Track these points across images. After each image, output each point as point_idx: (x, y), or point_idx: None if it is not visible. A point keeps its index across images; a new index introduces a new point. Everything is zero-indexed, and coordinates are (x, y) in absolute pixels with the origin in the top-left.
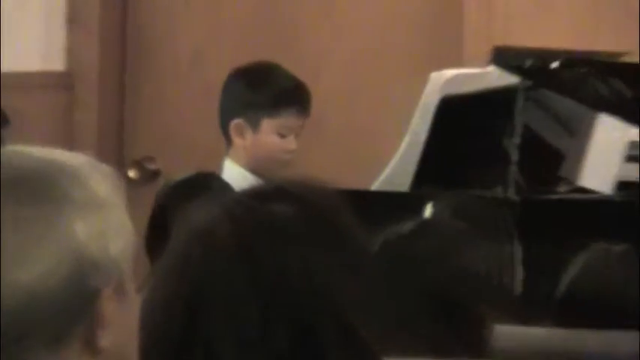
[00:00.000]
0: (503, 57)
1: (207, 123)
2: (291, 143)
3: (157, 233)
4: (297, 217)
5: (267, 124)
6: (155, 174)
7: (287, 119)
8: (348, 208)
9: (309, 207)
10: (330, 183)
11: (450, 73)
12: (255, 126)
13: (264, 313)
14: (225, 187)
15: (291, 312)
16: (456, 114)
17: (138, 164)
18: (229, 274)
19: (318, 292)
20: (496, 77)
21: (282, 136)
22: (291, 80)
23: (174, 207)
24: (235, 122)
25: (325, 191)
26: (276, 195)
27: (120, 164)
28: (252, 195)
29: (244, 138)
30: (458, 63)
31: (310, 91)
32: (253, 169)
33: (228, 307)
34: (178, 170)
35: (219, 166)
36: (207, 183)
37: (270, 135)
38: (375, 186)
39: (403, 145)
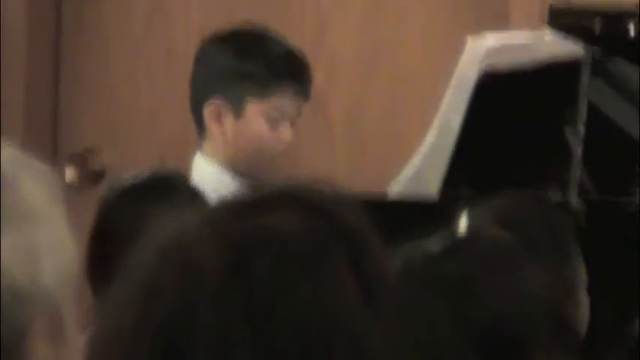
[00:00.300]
0: (563, 17)
1: (172, 104)
2: (284, 132)
3: (101, 252)
4: (306, 232)
5: (254, 107)
6: (99, 173)
7: (280, 100)
8: (369, 219)
9: (320, 218)
10: (343, 187)
11: (492, 39)
12: (237, 108)
13: (261, 357)
14: (195, 190)
15: (296, 354)
16: (501, 93)
17: (77, 159)
18: (216, 305)
19: (333, 329)
20: (553, 45)
21: (274, 122)
22: (285, 49)
23: (125, 217)
24: (211, 103)
25: (339, 198)
26: (274, 202)
27: (53, 159)
28: (240, 203)
29: (223, 124)
30: (503, 24)
31: (310, 65)
32: (234, 167)
33: (215, 351)
34: (130, 168)
35: (187, 163)
36: (170, 185)
37: (258, 121)
38: (395, 187)
39: (430, 134)
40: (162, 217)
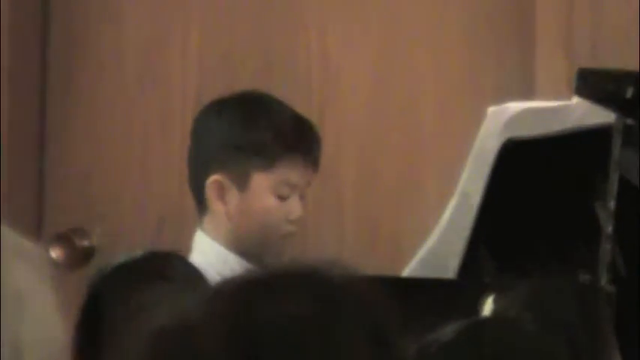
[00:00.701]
0: (592, 82)
1: (167, 176)
2: (294, 207)
3: (88, 343)
4: (318, 319)
5: (260, 180)
6: (88, 253)
7: (288, 172)
8: (385, 302)
9: (334, 304)
10: (354, 267)
11: (514, 107)
12: (242, 183)
13: None
14: (195, 273)
15: None
16: (524, 164)
17: (63, 238)
18: None
19: None
20: (582, 113)
21: (282, 197)
22: (292, 116)
23: (115, 302)
24: (214, 179)
25: (354, 280)
26: (283, 286)
27: (38, 238)
28: (246, 285)
29: (226, 201)
30: (526, 92)
31: (320, 135)
32: (239, 247)
33: None
34: (122, 247)
35: (185, 242)
36: (167, 267)
37: (265, 196)
38: (409, 268)
39: (449, 208)
40: (160, 301)
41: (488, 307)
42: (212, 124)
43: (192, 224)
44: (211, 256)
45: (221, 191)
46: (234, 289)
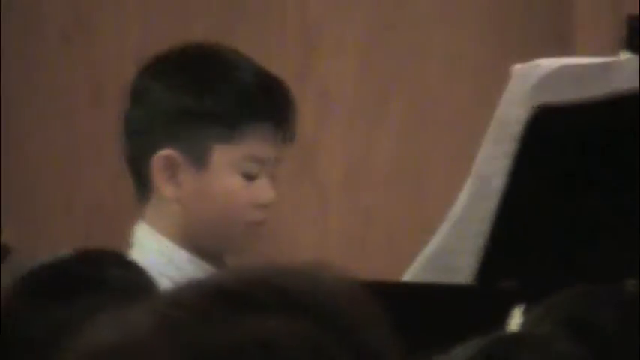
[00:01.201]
0: None
1: (102, 156)
2: (264, 189)
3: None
4: (298, 340)
5: (222, 155)
6: (3, 251)
7: (257, 145)
8: (381, 315)
9: (317, 320)
10: (341, 272)
11: (545, 65)
12: (199, 159)
13: None
14: (139, 277)
15: None
16: (558, 140)
17: None
18: None
19: None
20: (631, 72)
21: (249, 176)
22: (258, 73)
23: (34, 318)
24: (162, 154)
25: (341, 288)
26: (252, 295)
27: None
28: (208, 294)
29: (178, 182)
30: (562, 45)
31: (294, 96)
32: (193, 241)
33: None
34: (43, 247)
35: (124, 240)
36: (101, 270)
37: (228, 174)
38: (411, 272)
39: (462, 198)
40: (91, 315)
41: (515, 320)
42: (157, 86)
43: (130, 216)
44: (154, 252)
45: (172, 170)
46: (196, 301)
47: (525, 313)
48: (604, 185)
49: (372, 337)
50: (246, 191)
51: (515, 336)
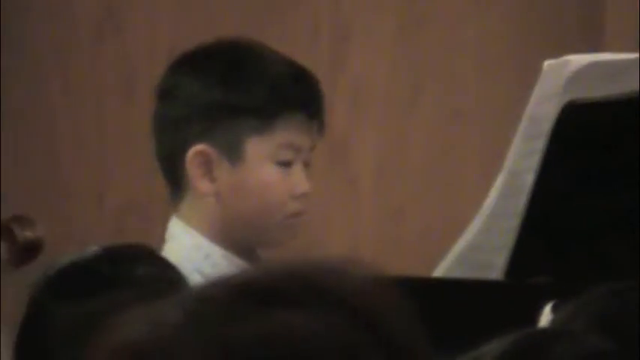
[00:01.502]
0: None
1: (133, 153)
2: (300, 179)
3: (33, 353)
4: (330, 337)
5: (257, 147)
6: (33, 247)
7: (290, 133)
8: (413, 312)
9: (349, 316)
10: (374, 268)
11: (578, 61)
12: (234, 153)
13: None
14: (170, 273)
15: None
16: (590, 136)
17: (2, 229)
18: None
19: None
20: None
21: (285, 163)
22: (287, 65)
23: (65, 309)
24: (197, 150)
25: (373, 285)
26: (284, 292)
27: None
28: (239, 290)
29: (214, 177)
30: (593, 41)
31: (323, 88)
32: (231, 237)
33: None
34: (75, 242)
35: (154, 237)
36: (131, 266)
37: (264, 165)
38: (443, 268)
39: (493, 194)
40: (120, 311)
41: (545, 316)
42: (188, 81)
43: (161, 213)
44: (190, 249)
45: (207, 165)
46: (221, 296)
47: (555, 310)
48: (635, 182)
49: (401, 333)
50: (282, 182)
51: (547, 331)
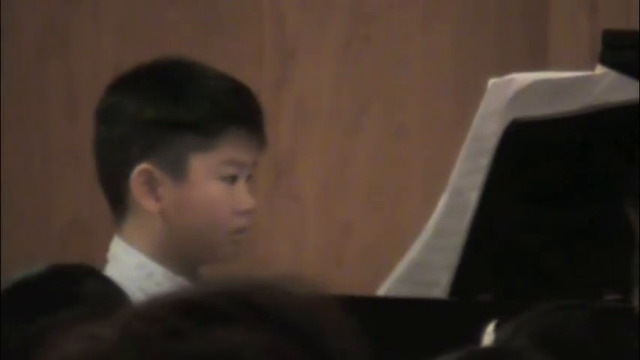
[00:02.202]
0: (620, 48)
1: (78, 172)
2: (244, 195)
3: None
4: (264, 352)
5: (200, 163)
6: None
7: (233, 149)
8: (355, 331)
9: (287, 335)
10: (316, 286)
11: (521, 79)
12: (177, 170)
13: None
14: (114, 292)
15: None
16: (533, 154)
17: None
18: None
19: None
20: (606, 86)
21: (228, 179)
22: (225, 81)
23: (11, 328)
24: (141, 169)
25: (315, 303)
26: (221, 310)
27: None
28: (174, 307)
29: (159, 197)
30: (537, 59)
31: (261, 103)
32: (176, 255)
33: None
34: (20, 260)
35: (100, 255)
36: (77, 285)
37: (207, 181)
38: (387, 286)
39: (437, 212)
40: (66, 329)
41: (488, 335)
42: (127, 100)
43: (105, 232)
44: (132, 268)
45: (151, 184)
46: (159, 313)
47: (497, 329)
48: (578, 198)
49: (340, 350)
50: (227, 198)
51: (489, 350)
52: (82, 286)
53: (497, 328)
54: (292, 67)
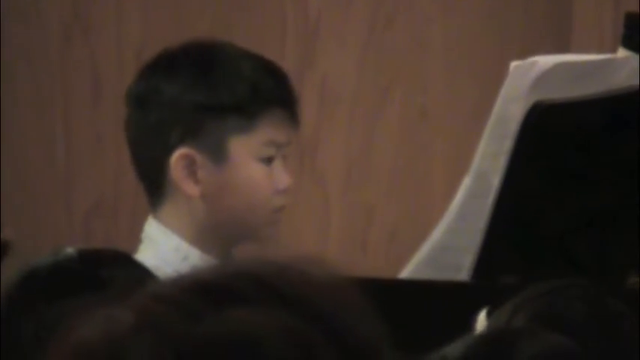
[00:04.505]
0: None
1: (100, 155)
2: (282, 174)
3: (7, 355)
4: (285, 336)
5: (240, 146)
6: (1, 249)
7: (272, 130)
8: (374, 313)
9: (306, 315)
10: (339, 269)
11: (544, 62)
12: (218, 153)
13: None
14: (144, 276)
15: None
16: (557, 137)
17: None
18: None
19: None
20: (630, 70)
21: (268, 159)
22: (261, 63)
23: (33, 313)
24: (181, 153)
25: (334, 285)
26: (239, 291)
27: None
28: (193, 288)
29: (199, 180)
30: (560, 42)
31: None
32: (217, 237)
33: None
34: (43, 244)
35: (121, 238)
36: (107, 269)
37: (248, 163)
38: (410, 269)
39: (460, 195)
40: (88, 314)
41: (481, 322)
42: (165, 85)
43: (129, 213)
44: (168, 251)
45: (191, 168)
46: (175, 295)
47: (491, 314)
48: (601, 182)
49: (359, 331)
50: (266, 179)
51: (512, 329)
52: (109, 271)
53: (490, 314)
54: (315, 51)
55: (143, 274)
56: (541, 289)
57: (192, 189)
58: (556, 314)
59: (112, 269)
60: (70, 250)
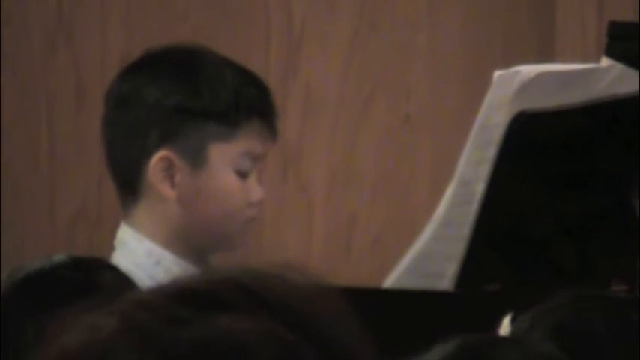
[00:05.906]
0: (627, 40)
1: (85, 160)
2: (255, 187)
3: None
4: (267, 342)
5: (219, 153)
6: None
7: (251, 141)
8: (357, 320)
9: (288, 322)
10: (326, 277)
11: (527, 71)
12: (197, 158)
13: None
14: (126, 284)
15: None
16: (540, 145)
17: None
18: None
19: None
20: (612, 78)
21: (243, 173)
22: (246, 73)
23: (35, 316)
24: (160, 156)
25: (313, 290)
26: (222, 297)
27: None
28: (175, 293)
29: (176, 184)
30: (543, 52)
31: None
32: (189, 242)
33: None
34: (27, 251)
35: (109, 244)
36: (94, 276)
37: (225, 172)
38: (394, 277)
39: (444, 203)
40: (64, 317)
41: (505, 328)
42: (148, 86)
43: (113, 220)
44: (142, 255)
45: (169, 171)
46: (159, 301)
47: (514, 321)
48: (585, 190)
49: (340, 337)
50: (241, 189)
51: (490, 336)
52: (101, 277)
53: (513, 320)
54: (299, 57)
55: (125, 280)
56: (563, 299)
57: (168, 192)
58: (577, 324)
59: (104, 275)
60: (61, 257)
